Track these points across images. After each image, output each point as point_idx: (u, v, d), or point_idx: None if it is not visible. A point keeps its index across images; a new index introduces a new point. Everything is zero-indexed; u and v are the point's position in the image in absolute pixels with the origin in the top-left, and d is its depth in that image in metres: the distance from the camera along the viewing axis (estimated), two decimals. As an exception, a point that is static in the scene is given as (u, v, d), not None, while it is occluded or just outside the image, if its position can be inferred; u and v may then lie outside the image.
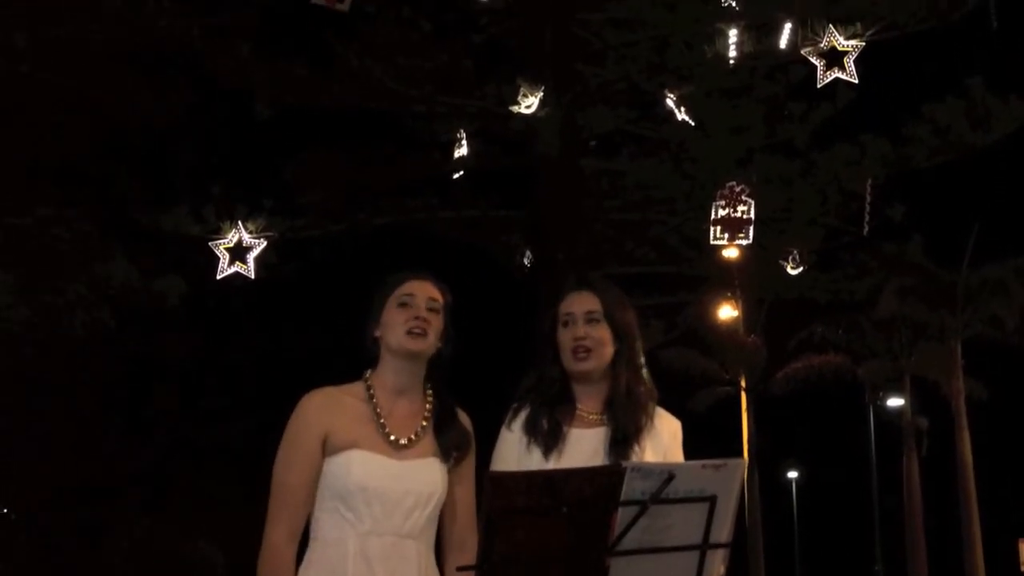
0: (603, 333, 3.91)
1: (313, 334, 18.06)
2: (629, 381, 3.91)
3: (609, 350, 3.90)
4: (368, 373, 3.86)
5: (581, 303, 3.92)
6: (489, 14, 13.88)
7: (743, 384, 22.92)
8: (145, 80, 13.75)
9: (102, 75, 13.72)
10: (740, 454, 23.43)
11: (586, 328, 3.90)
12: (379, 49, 13.58)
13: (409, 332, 3.79)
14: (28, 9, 12.50)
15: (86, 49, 13.37)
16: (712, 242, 13.21)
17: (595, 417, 3.92)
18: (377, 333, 3.84)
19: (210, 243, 13.64)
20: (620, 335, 3.92)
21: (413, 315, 3.80)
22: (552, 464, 3.83)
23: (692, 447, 3.94)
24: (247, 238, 13.72)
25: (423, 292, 3.84)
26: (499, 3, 13.32)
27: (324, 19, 12.30)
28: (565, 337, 3.92)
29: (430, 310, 3.82)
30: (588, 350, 3.89)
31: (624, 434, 3.86)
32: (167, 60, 13.84)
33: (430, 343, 3.81)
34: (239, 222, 13.64)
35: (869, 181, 13.70)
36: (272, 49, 13.48)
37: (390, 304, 3.83)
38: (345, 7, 11.65)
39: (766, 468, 25.30)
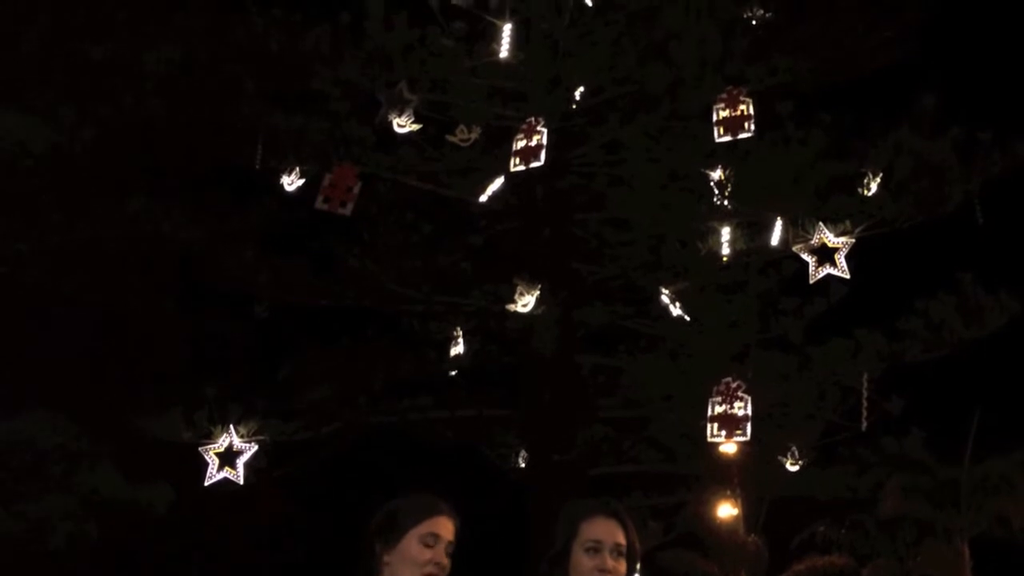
0: (623, 568, 4.12)
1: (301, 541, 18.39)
2: None
3: None
4: None
5: (610, 533, 4.12)
6: (488, 216, 14.82)
7: (745, 588, 23.10)
8: (140, 282, 14.57)
9: (96, 278, 14.51)
10: (744, 664, 23.45)
11: (613, 562, 4.09)
12: (380, 251, 14.47)
13: None
14: (32, 217, 13.39)
15: (82, 252, 14.22)
16: (710, 439, 13.29)
17: None
18: (387, 559, 3.98)
19: (200, 448, 13.99)
20: (631, 569, 4.15)
21: (434, 560, 3.98)
22: None
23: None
24: (238, 442, 13.99)
25: (446, 534, 4.03)
26: (497, 205, 14.21)
27: (327, 222, 13.21)
28: (587, 564, 4.09)
29: (447, 553, 4.03)
30: None
31: None
32: (165, 262, 14.65)
33: None
34: (231, 426, 13.96)
35: (865, 375, 14.12)
36: (275, 251, 14.38)
37: (411, 537, 3.99)
38: (348, 211, 12.58)
39: None
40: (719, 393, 12.98)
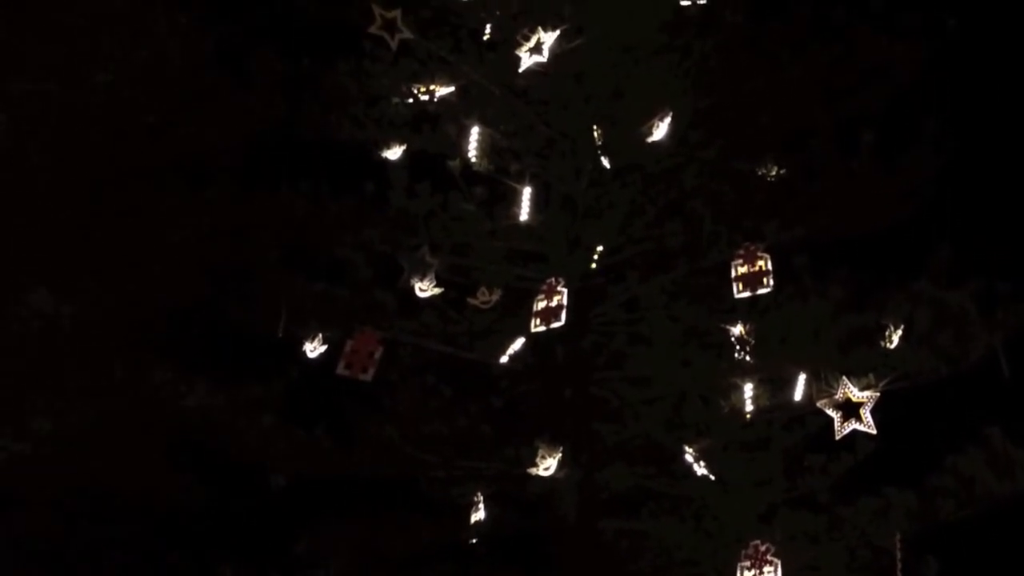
0: None
1: None
2: None
3: None
4: None
5: None
6: (508, 377, 15.58)
7: None
8: (157, 455, 15.39)
9: (112, 452, 15.36)
10: None
11: None
12: (400, 416, 15.21)
13: None
14: (57, 393, 14.30)
15: (100, 427, 15.10)
16: (741, 605, 13.71)
17: None
18: None
19: (214, 623, 14.66)
20: None
21: None
22: None
23: None
24: (252, 616, 14.75)
25: None
26: (518, 366, 15.05)
27: (347, 389, 14.13)
28: None
29: None
30: None
31: None
32: (182, 433, 15.48)
33: None
34: (246, 599, 14.69)
35: (898, 535, 14.59)
36: (294, 420, 15.22)
37: None
38: (369, 377, 13.55)
39: None
40: (748, 557, 13.54)
